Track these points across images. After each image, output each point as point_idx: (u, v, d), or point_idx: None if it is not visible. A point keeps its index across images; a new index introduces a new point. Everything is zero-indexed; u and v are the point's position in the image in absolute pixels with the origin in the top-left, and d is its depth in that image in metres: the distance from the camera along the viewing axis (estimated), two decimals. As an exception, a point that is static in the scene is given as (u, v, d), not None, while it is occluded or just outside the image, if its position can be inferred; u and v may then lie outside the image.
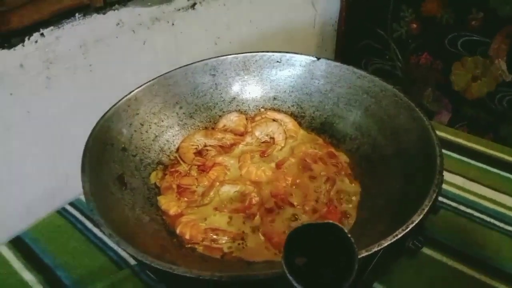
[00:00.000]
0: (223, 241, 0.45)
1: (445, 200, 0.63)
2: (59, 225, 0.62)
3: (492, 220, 0.60)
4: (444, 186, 0.66)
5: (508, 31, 0.89)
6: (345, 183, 0.54)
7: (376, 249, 0.35)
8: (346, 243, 0.25)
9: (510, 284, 0.52)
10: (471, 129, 1.02)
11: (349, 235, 0.24)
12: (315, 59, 0.61)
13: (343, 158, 0.57)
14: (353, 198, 0.52)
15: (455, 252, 0.56)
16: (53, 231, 0.61)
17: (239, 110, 0.63)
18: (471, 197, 0.64)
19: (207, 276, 0.32)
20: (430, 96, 1.08)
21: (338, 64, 0.60)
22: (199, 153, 0.57)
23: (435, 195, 0.40)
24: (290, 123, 0.62)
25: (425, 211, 0.38)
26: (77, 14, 0.60)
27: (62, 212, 0.64)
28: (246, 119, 0.62)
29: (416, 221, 0.37)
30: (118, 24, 0.66)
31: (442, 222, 0.59)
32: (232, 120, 0.61)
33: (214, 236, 0.45)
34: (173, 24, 0.74)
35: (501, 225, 0.60)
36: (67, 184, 0.67)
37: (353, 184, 0.54)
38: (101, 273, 0.55)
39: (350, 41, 1.18)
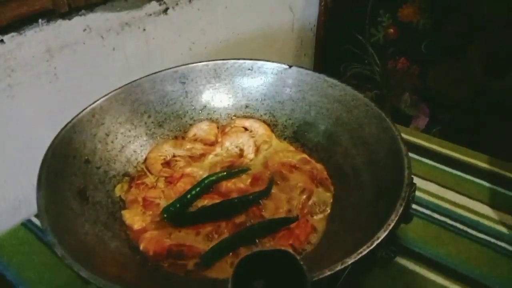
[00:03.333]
0: (188, 258, 0.43)
1: (418, 208, 0.63)
2: (23, 238, 0.60)
3: (465, 228, 0.60)
4: (418, 193, 0.66)
5: (485, 36, 0.89)
6: (319, 192, 0.53)
7: (339, 267, 0.34)
8: (299, 271, 0.23)
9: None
10: (448, 134, 1.03)
11: (301, 263, 0.23)
12: (287, 67, 0.60)
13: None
14: (325, 209, 0.51)
15: (428, 262, 0.55)
16: (16, 244, 0.59)
17: (210, 118, 0.62)
18: (445, 205, 0.64)
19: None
20: (407, 101, 1.09)
21: (309, 72, 0.59)
22: (167, 164, 0.56)
23: (402, 208, 0.39)
24: (261, 128, 0.60)
25: (391, 226, 0.37)
26: (40, 20, 0.57)
27: (27, 224, 0.62)
28: (218, 127, 0.61)
29: (382, 237, 0.36)
30: (85, 30, 0.64)
31: (415, 231, 0.59)
32: (202, 129, 0.59)
33: (179, 253, 0.43)
34: (144, 29, 0.72)
35: (474, 233, 0.60)
36: (33, 195, 0.65)
37: (327, 194, 0.53)
38: (66, 289, 0.53)
39: (329, 46, 1.17)
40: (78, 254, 0.35)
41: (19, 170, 0.62)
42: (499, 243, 0.58)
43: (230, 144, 0.58)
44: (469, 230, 0.60)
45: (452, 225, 0.61)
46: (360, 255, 0.35)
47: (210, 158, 0.57)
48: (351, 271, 0.44)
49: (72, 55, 0.63)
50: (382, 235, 0.36)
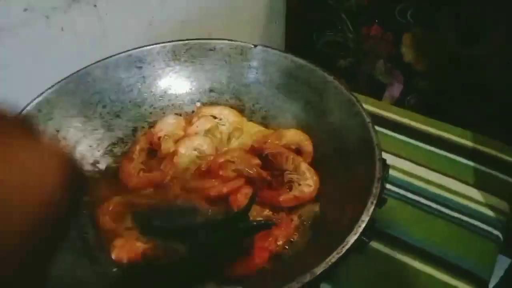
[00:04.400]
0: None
1: (392, 188, 0.61)
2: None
3: (438, 207, 0.59)
4: (392, 172, 0.64)
5: (457, 2, 0.86)
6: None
7: (308, 279, 0.32)
8: None
9: (456, 275, 0.51)
10: (423, 102, 1.01)
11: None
12: (252, 46, 0.56)
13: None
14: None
15: (402, 244, 0.54)
16: None
17: (173, 105, 0.57)
18: (419, 183, 0.62)
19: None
20: (382, 68, 1.06)
21: (276, 52, 0.55)
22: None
23: (373, 207, 0.37)
24: (231, 115, 0.56)
25: (362, 228, 0.35)
26: (-30, 2, 0.51)
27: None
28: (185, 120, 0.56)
29: (352, 241, 0.34)
30: (26, 9, 0.57)
31: (389, 213, 0.57)
32: (169, 123, 0.55)
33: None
34: (95, 5, 0.65)
35: (447, 211, 0.59)
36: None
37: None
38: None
39: (301, 13, 1.12)
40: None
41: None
42: (475, 222, 0.57)
43: (185, 150, 0.51)
44: (443, 209, 0.59)
45: (425, 204, 0.60)
46: (330, 263, 0.33)
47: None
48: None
49: (14, 39, 0.57)
50: (352, 239, 0.34)
